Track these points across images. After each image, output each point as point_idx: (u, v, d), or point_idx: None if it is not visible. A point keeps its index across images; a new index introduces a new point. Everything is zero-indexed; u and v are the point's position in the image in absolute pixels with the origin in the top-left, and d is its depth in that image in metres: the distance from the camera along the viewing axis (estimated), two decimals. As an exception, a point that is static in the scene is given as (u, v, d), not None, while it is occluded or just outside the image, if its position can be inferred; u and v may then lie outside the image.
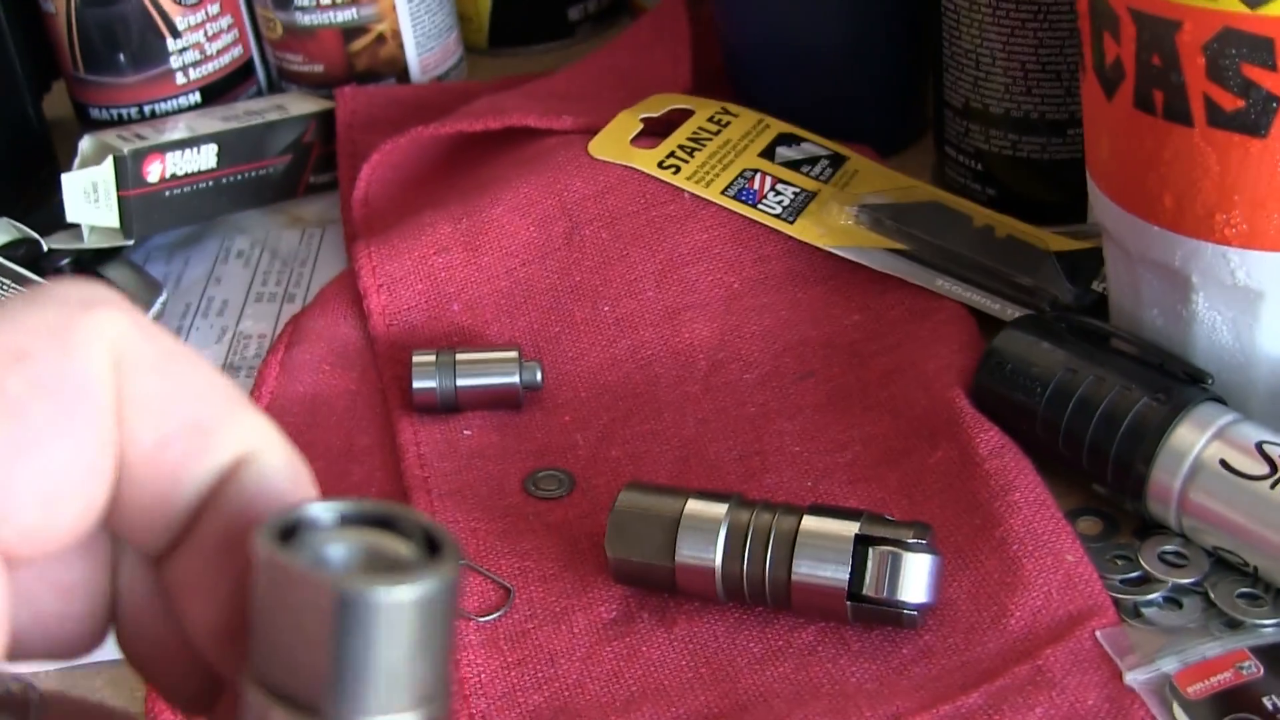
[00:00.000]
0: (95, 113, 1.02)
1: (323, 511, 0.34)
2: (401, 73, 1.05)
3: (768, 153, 0.86)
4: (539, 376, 0.75)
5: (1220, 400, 0.65)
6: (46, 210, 0.91)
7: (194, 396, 0.34)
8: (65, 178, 0.87)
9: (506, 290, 0.81)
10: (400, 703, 0.33)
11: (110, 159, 0.88)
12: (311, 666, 0.32)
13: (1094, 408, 0.65)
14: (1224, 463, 0.62)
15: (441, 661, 0.33)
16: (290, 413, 0.77)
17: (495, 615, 0.64)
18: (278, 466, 0.35)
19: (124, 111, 1.01)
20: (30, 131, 1.00)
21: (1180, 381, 0.65)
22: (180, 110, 1.01)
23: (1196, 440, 0.63)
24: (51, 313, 0.33)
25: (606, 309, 0.79)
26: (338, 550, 0.34)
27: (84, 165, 0.89)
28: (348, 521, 0.34)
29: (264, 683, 0.33)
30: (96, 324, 0.33)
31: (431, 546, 0.34)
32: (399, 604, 0.32)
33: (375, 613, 0.32)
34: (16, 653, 0.35)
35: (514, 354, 0.75)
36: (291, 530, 0.33)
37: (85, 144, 0.90)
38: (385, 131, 0.92)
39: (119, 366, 0.33)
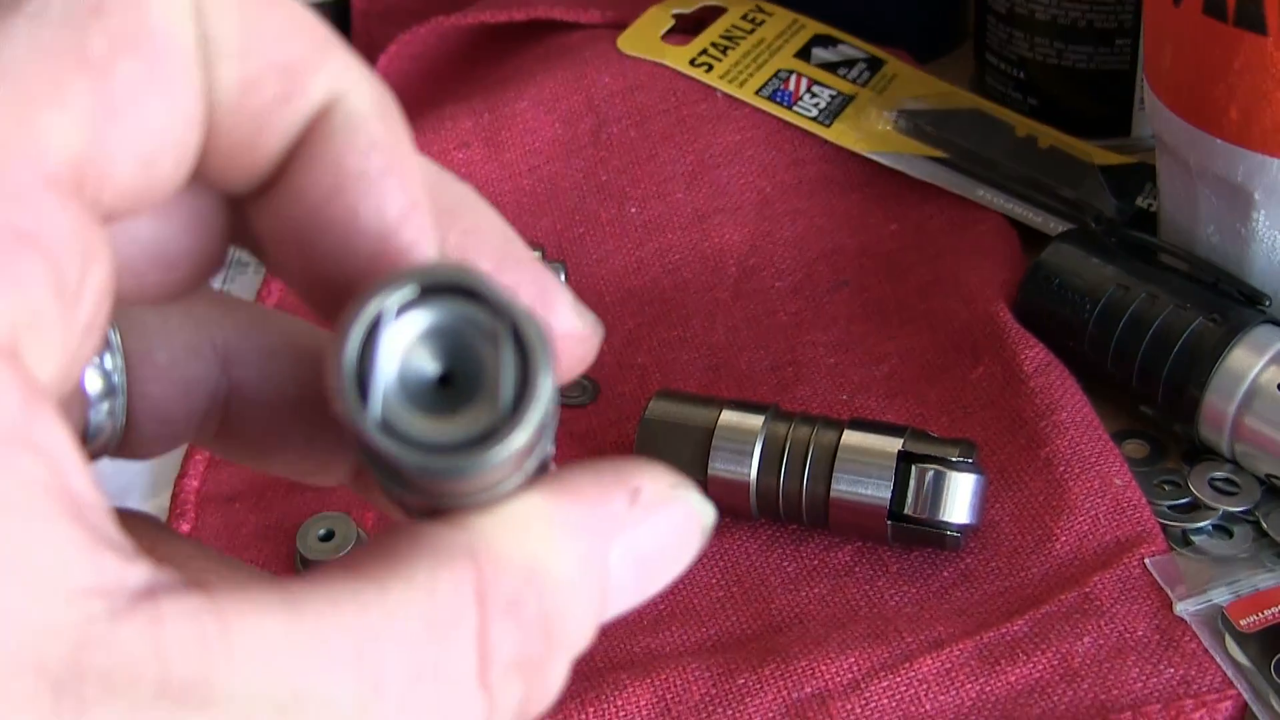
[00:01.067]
0: None
1: (402, 292, 0.32)
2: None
3: (803, 54, 0.83)
4: (563, 278, 0.73)
5: (1278, 323, 0.62)
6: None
7: (279, 36, 0.32)
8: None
9: (530, 189, 0.78)
10: None
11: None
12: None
13: (1146, 327, 0.63)
14: (1282, 388, 0.60)
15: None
16: (303, 310, 0.74)
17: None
18: (368, 107, 0.33)
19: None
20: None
21: (1236, 302, 0.63)
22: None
23: (1254, 364, 0.60)
24: None
25: (634, 210, 0.77)
26: (418, 364, 0.32)
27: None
28: (429, 292, 0.32)
29: None
30: None
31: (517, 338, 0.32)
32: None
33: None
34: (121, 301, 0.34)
35: (537, 255, 0.73)
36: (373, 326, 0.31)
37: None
38: (403, 21, 0.89)
39: (198, 7, 0.31)
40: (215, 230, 0.36)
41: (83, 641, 0.27)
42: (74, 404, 0.36)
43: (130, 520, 0.35)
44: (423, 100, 0.85)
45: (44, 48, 0.30)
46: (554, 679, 0.33)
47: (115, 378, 0.37)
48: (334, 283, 0.34)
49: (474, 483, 0.32)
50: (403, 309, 0.32)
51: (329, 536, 0.62)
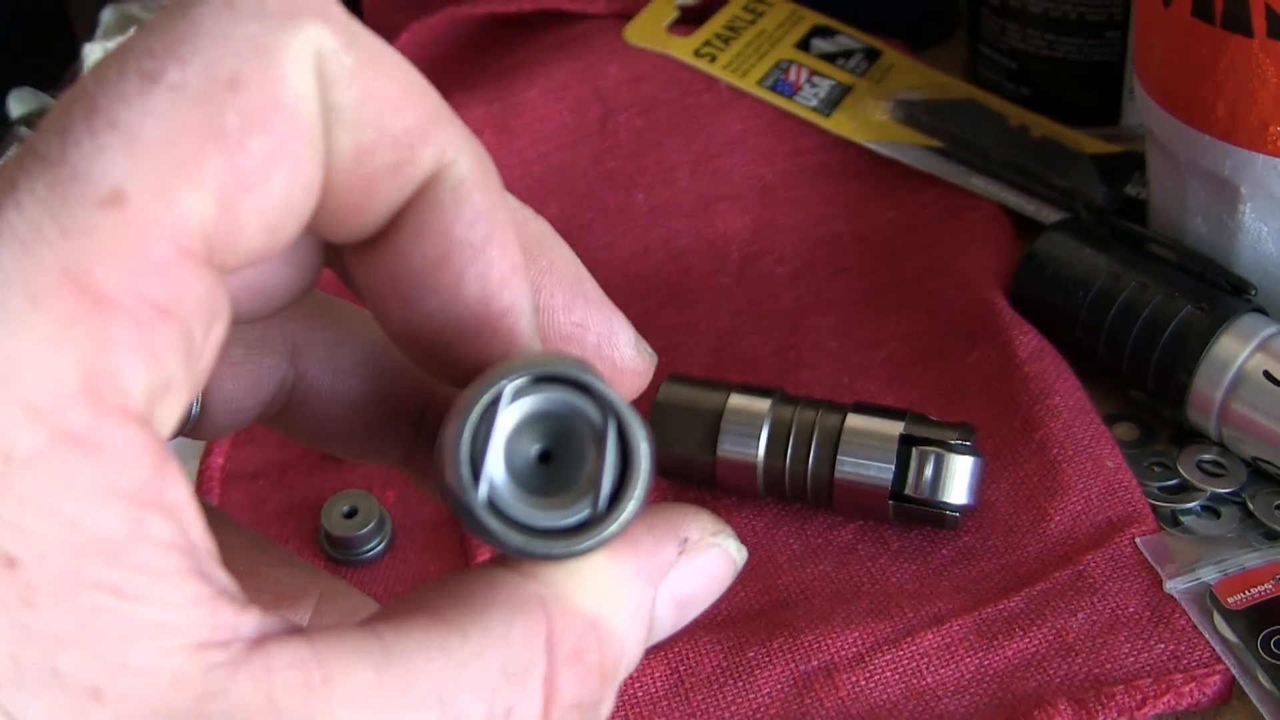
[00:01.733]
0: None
1: (519, 381, 0.34)
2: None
3: (803, 44, 0.86)
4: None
5: (1263, 311, 0.65)
6: (67, 81, 0.90)
7: (394, 106, 0.33)
8: (87, 47, 0.86)
9: (539, 175, 0.80)
10: None
11: (134, 30, 0.87)
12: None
13: (1137, 314, 0.65)
14: (1267, 374, 0.62)
15: None
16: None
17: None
18: (473, 175, 0.35)
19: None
20: (47, 2, 0.99)
21: (1223, 291, 0.65)
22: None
23: (1240, 351, 0.63)
24: (255, 28, 0.32)
25: (640, 197, 0.79)
26: (522, 448, 0.34)
27: (107, 36, 0.88)
28: (541, 381, 0.34)
29: None
30: (302, 37, 0.32)
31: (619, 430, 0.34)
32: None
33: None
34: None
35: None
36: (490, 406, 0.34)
37: (108, 15, 0.89)
38: (415, 11, 0.91)
39: (321, 78, 0.32)
40: (311, 267, 0.38)
41: (205, 692, 0.30)
42: None
43: (205, 512, 0.37)
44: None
45: (182, 122, 0.31)
46: (605, 712, 0.36)
47: None
48: (433, 338, 0.36)
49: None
50: (518, 393, 0.34)
51: (352, 513, 0.64)
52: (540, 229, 0.40)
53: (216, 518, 0.40)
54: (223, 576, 0.32)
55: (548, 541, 0.34)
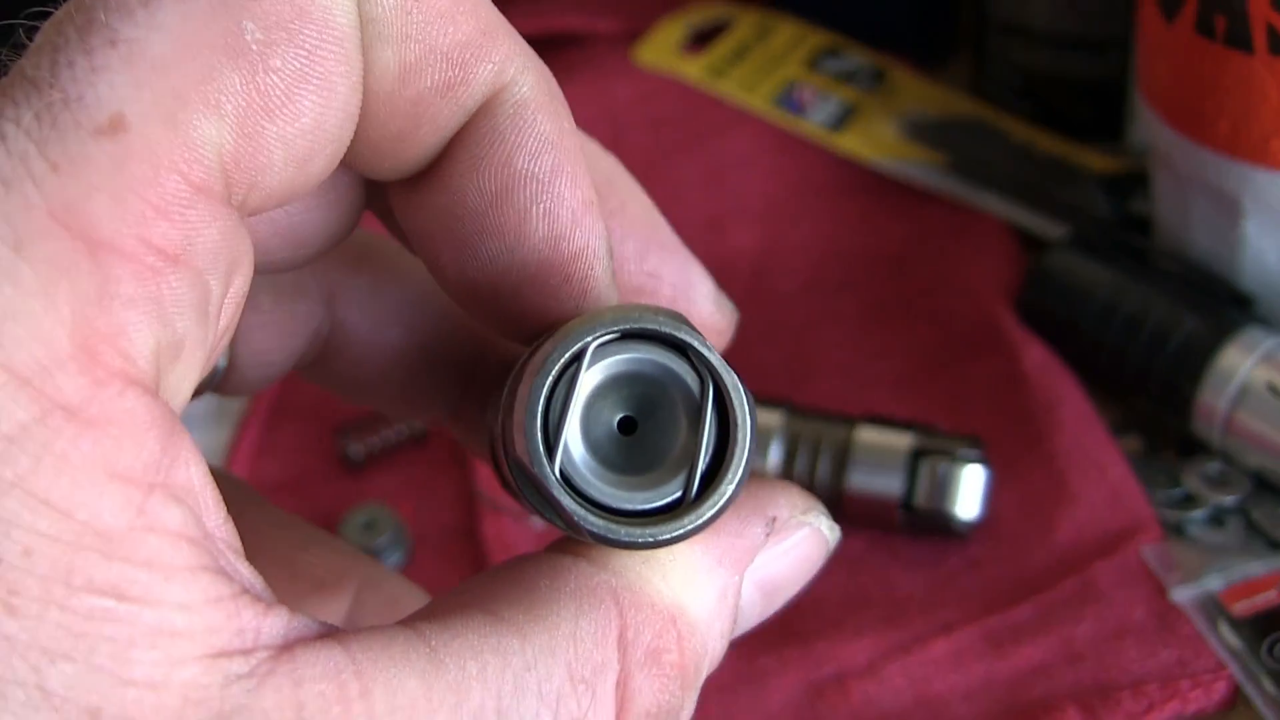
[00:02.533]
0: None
1: (601, 339, 0.30)
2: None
3: (810, 64, 0.86)
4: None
5: (1266, 324, 0.66)
6: None
7: (443, 16, 0.29)
8: None
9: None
10: None
11: None
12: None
13: (1141, 327, 0.66)
14: (1270, 385, 0.63)
15: None
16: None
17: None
18: (536, 97, 0.31)
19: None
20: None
21: (1226, 304, 0.66)
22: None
23: (1243, 362, 0.64)
24: None
25: (651, 215, 0.80)
26: (604, 412, 0.30)
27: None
28: (629, 337, 0.30)
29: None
30: None
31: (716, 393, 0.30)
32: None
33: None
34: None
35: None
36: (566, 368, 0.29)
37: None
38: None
39: None
40: (350, 207, 0.34)
41: (223, 710, 0.26)
42: None
43: (228, 488, 0.33)
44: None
45: (194, 37, 0.26)
46: (685, 718, 0.31)
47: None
48: (493, 287, 0.32)
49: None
50: (601, 350, 0.29)
51: (370, 525, 0.65)
52: (609, 166, 0.36)
53: (243, 494, 0.37)
54: (244, 571, 0.27)
55: (631, 526, 0.29)
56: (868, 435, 0.62)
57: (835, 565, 0.63)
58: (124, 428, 0.25)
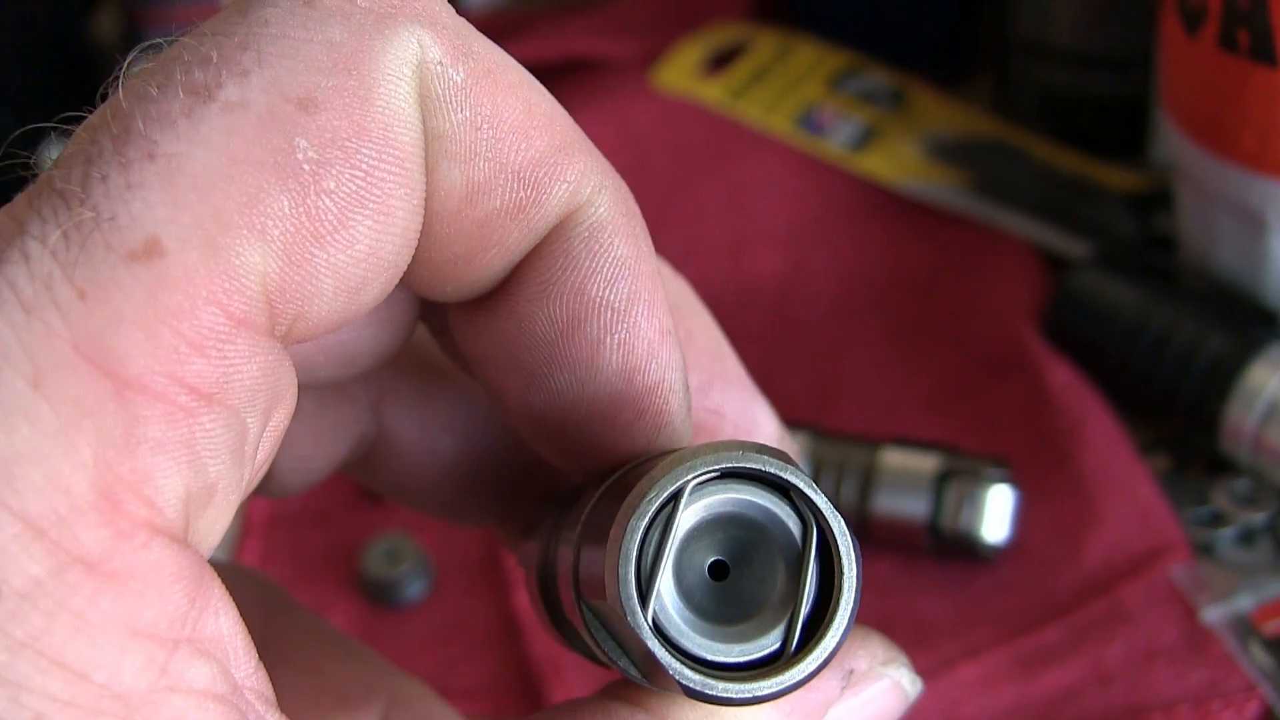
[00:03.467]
0: (149, 37, 1.01)
1: (700, 478, 0.27)
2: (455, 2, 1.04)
3: (831, 84, 0.86)
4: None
5: (1294, 340, 0.65)
6: (98, 98, 0.90)
7: (516, 134, 0.27)
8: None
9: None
10: None
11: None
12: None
13: (1167, 346, 0.66)
14: (1299, 402, 0.62)
15: None
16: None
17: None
18: (613, 220, 0.29)
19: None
20: (75, 55, 0.99)
21: (1253, 321, 0.66)
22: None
23: (1270, 379, 0.63)
24: (339, 33, 0.25)
25: (673, 240, 0.80)
26: (698, 555, 0.28)
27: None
28: (728, 476, 0.27)
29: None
30: (399, 45, 0.26)
31: (820, 534, 0.27)
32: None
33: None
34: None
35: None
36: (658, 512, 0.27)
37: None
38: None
39: (425, 99, 0.26)
40: (404, 325, 0.32)
41: None
42: None
43: (259, 594, 0.32)
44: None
45: (241, 153, 0.24)
46: None
47: None
48: (562, 419, 0.29)
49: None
50: (698, 490, 0.27)
51: (392, 555, 0.64)
52: (679, 289, 0.34)
53: (274, 599, 0.35)
54: None
55: (728, 681, 0.26)
56: (893, 458, 0.62)
57: (862, 590, 0.63)
58: (148, 581, 0.23)
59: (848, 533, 0.27)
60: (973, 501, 0.60)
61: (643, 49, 0.89)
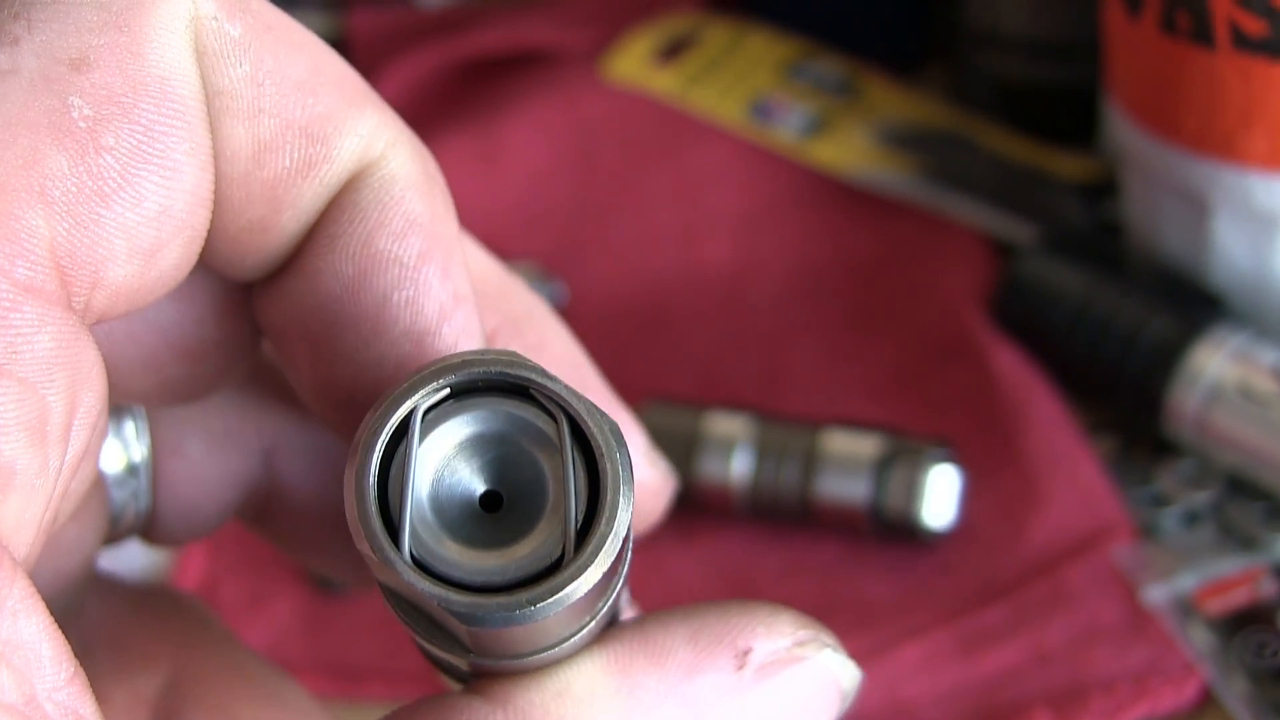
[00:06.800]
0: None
1: (434, 393, 0.25)
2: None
3: (783, 73, 0.86)
4: (562, 296, 0.76)
5: (1236, 323, 0.65)
6: None
7: (300, 88, 0.26)
8: None
9: (526, 208, 0.81)
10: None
11: None
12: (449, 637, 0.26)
13: (1112, 328, 0.66)
14: (1241, 383, 0.62)
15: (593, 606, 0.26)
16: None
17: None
18: (406, 175, 0.27)
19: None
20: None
21: (1197, 304, 0.66)
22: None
23: (1213, 361, 0.63)
24: None
25: (624, 228, 0.80)
26: (457, 481, 0.25)
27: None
28: (469, 392, 0.25)
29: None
30: (171, 2, 0.25)
31: (579, 437, 0.25)
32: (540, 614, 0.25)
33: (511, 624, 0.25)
34: (123, 396, 0.28)
35: (532, 271, 0.76)
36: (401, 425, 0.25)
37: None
38: (399, 50, 0.92)
39: (203, 54, 0.25)
40: (245, 313, 0.30)
41: None
42: (95, 486, 0.31)
43: (178, 619, 0.31)
44: (417, 129, 0.88)
45: (13, 117, 0.23)
46: None
47: (136, 457, 0.32)
48: (348, 391, 0.28)
49: (521, 636, 0.25)
50: (436, 415, 0.25)
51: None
52: (530, 302, 0.31)
53: (198, 631, 0.32)
54: None
55: (503, 596, 0.24)
56: (835, 441, 0.62)
57: (805, 573, 0.63)
58: None
59: (597, 413, 0.25)
60: (915, 483, 0.60)
61: (595, 39, 0.88)
